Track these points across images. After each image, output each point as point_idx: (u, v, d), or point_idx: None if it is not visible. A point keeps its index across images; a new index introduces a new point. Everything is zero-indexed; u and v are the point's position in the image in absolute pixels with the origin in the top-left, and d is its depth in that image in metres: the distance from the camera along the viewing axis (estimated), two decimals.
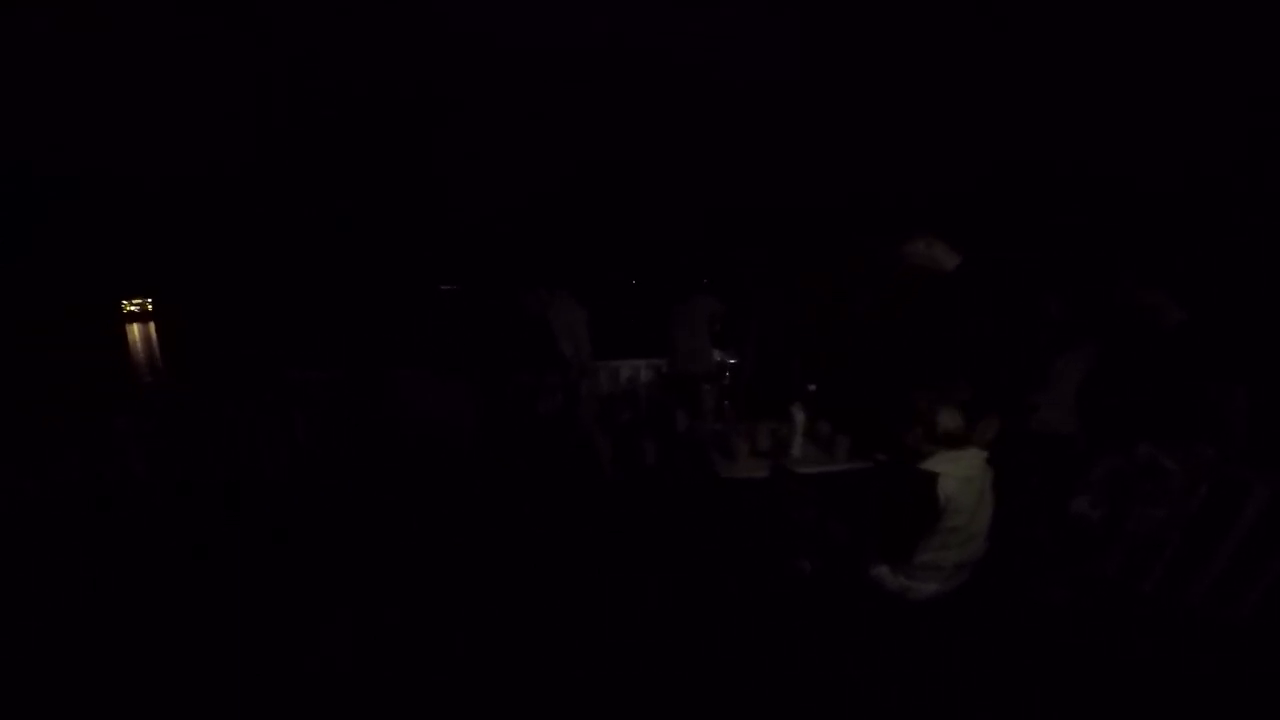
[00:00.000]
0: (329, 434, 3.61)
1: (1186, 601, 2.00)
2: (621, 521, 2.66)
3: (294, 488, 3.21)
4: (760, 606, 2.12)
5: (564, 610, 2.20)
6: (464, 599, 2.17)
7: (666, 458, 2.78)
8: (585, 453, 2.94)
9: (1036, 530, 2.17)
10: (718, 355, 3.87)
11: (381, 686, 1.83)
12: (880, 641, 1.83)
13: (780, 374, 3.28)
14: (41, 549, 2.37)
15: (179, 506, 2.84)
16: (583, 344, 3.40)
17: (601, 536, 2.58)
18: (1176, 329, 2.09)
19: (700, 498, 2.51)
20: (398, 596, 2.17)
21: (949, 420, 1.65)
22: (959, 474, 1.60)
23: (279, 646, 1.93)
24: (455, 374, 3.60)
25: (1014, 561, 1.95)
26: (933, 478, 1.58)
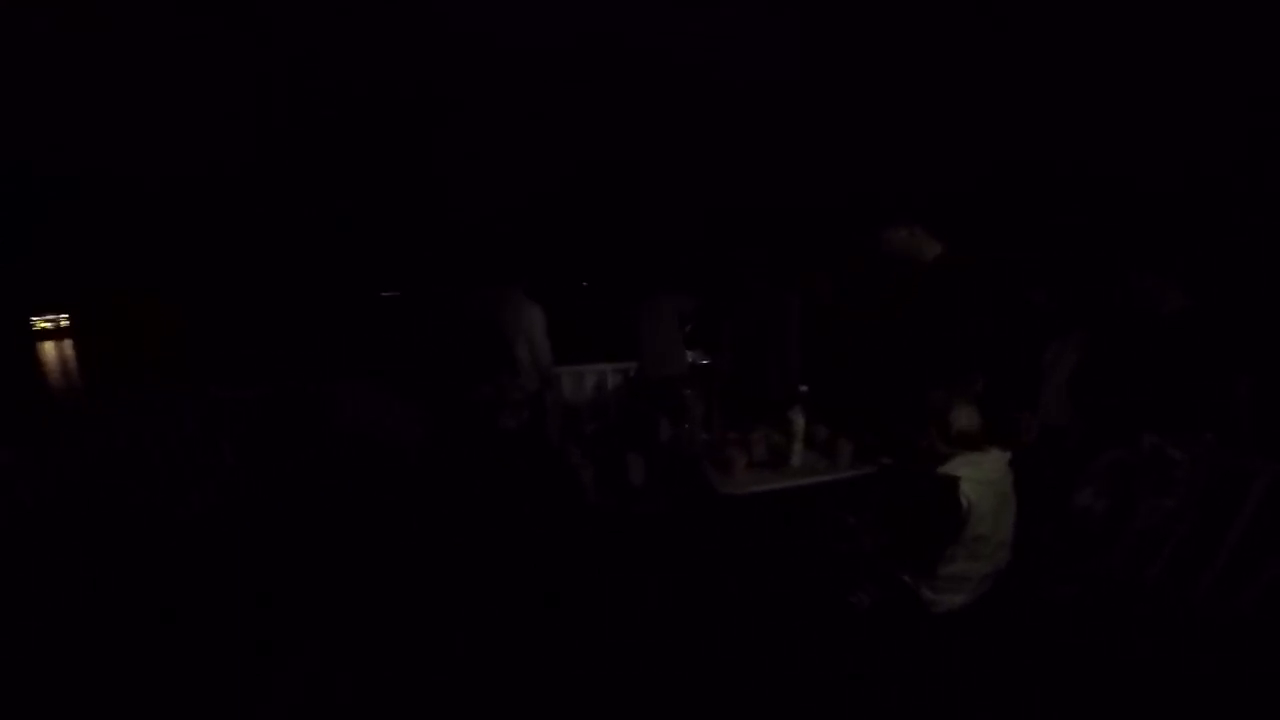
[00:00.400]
0: (261, 459, 3.32)
1: (1191, 595, 2.00)
2: (615, 550, 2.47)
3: (225, 519, 2.94)
4: (762, 609, 2.11)
5: (563, 611, 2.20)
6: (448, 610, 2.13)
7: (656, 475, 2.46)
8: (562, 474, 2.61)
9: (1041, 525, 2.17)
10: (690, 356, 3.70)
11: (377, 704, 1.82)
12: (880, 639, 1.83)
13: (763, 375, 3.18)
14: None
15: (90, 543, 2.53)
16: (541, 349, 3.09)
17: (600, 538, 2.54)
18: (1177, 315, 2.10)
19: (700, 519, 2.33)
20: (366, 628, 2.06)
21: (966, 418, 1.62)
22: (980, 477, 1.57)
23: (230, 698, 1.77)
24: (400, 388, 3.38)
25: (1019, 558, 1.95)
26: (953, 483, 1.54)
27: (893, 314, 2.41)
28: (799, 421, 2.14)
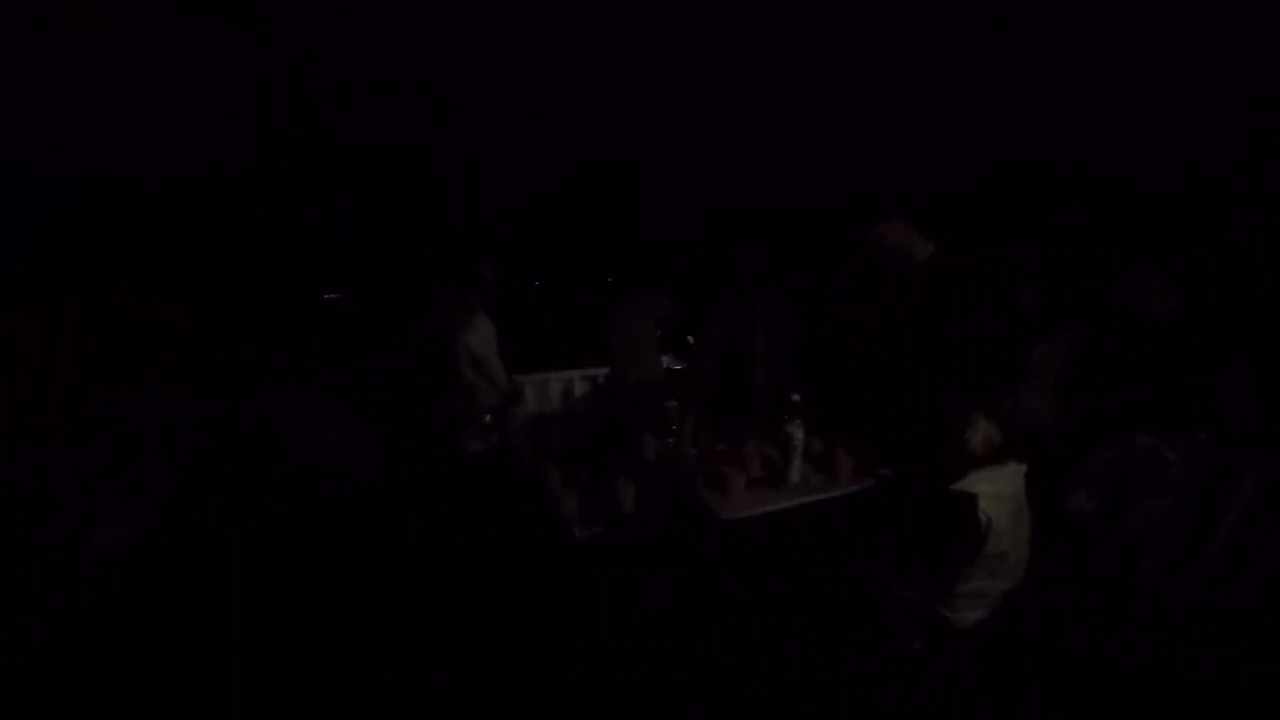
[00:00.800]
0: (193, 483, 3.05)
1: (1185, 588, 2.00)
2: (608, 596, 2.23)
3: (153, 556, 2.66)
4: (760, 608, 2.10)
5: (562, 614, 2.18)
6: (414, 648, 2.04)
7: (645, 497, 2.15)
8: (541, 503, 2.30)
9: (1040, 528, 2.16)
10: (664, 361, 3.57)
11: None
12: (879, 640, 1.82)
13: (752, 382, 3.00)
14: None
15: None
16: (488, 364, 2.84)
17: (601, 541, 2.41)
18: (1172, 315, 2.11)
19: (705, 550, 2.12)
20: (323, 680, 1.92)
21: (992, 435, 1.59)
22: (998, 492, 1.55)
23: None
24: (347, 401, 3.18)
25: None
26: (971, 500, 1.52)
27: (892, 314, 2.40)
28: (799, 435, 2.06)
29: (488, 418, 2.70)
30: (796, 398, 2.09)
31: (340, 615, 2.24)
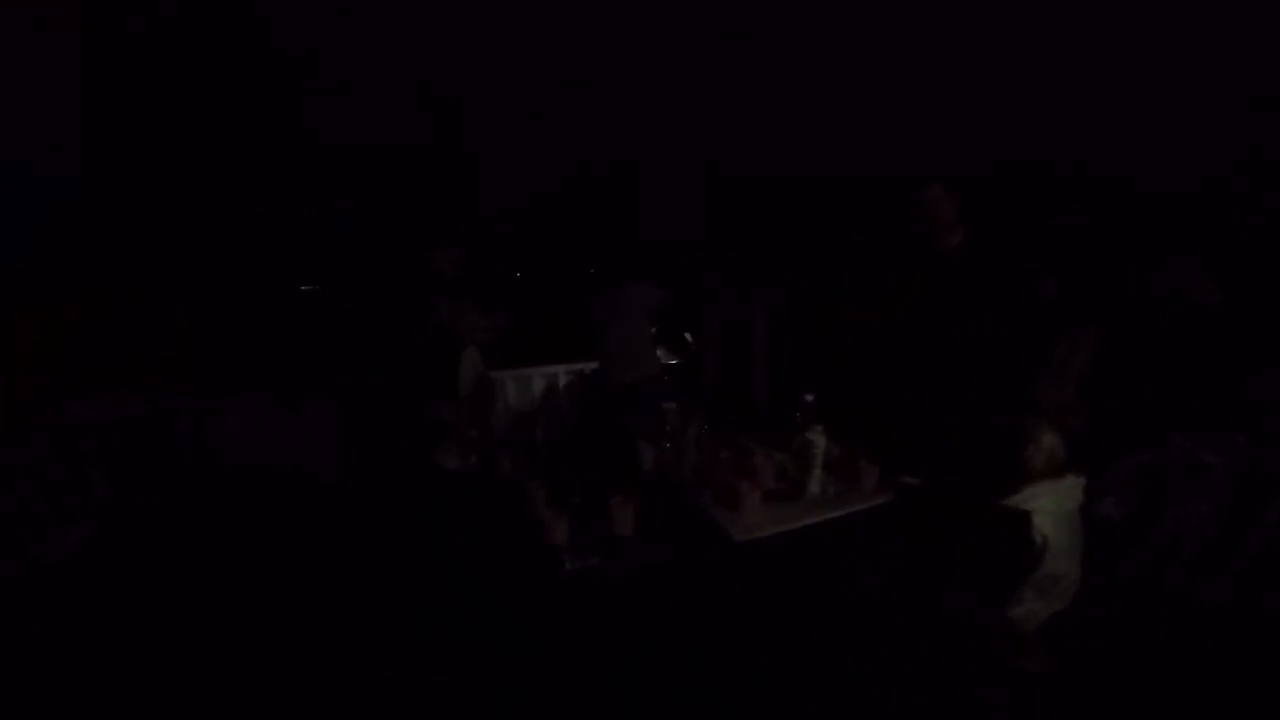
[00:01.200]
0: (140, 489, 2.74)
1: (1215, 595, 1.92)
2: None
3: (98, 569, 2.40)
4: (763, 608, 2.02)
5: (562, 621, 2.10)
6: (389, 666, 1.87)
7: (648, 519, 1.74)
8: (525, 529, 1.85)
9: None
10: (660, 355, 3.30)
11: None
12: (882, 643, 1.77)
13: (759, 381, 2.83)
14: None
15: None
16: (476, 365, 2.74)
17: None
18: (1210, 310, 2.02)
19: (721, 578, 1.77)
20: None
21: (1056, 448, 1.41)
22: (1056, 509, 1.36)
23: None
24: (311, 397, 2.93)
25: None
26: (1024, 518, 1.34)
27: (893, 312, 2.38)
28: (820, 442, 1.79)
29: (474, 432, 2.48)
30: (810, 399, 1.88)
31: (285, 641, 2.04)
